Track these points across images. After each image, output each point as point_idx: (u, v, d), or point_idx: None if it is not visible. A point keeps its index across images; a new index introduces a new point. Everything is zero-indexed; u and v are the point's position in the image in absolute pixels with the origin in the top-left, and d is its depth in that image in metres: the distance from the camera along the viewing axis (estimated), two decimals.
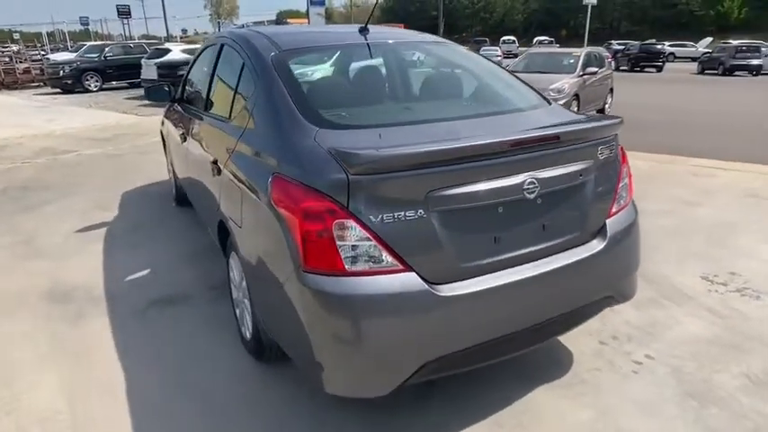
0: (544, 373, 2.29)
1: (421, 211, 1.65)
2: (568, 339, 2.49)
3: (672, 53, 33.96)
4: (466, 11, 71.41)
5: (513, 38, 44.92)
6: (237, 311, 2.55)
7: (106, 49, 17.50)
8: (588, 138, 1.97)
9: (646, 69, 26.62)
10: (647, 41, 32.29)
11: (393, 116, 2.32)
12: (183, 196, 4.29)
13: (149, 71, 13.68)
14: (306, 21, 22.18)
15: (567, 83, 8.59)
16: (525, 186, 1.78)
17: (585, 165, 1.96)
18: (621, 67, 26.98)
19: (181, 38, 57.88)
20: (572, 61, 9.45)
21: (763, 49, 24.10)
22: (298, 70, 2.33)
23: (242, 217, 2.11)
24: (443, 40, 3.12)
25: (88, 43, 21.97)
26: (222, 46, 2.93)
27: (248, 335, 2.38)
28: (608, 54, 12.92)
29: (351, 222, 1.59)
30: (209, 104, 3.04)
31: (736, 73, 23.31)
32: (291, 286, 1.71)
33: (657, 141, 7.30)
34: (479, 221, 1.76)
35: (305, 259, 1.64)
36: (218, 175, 2.44)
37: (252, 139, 2.13)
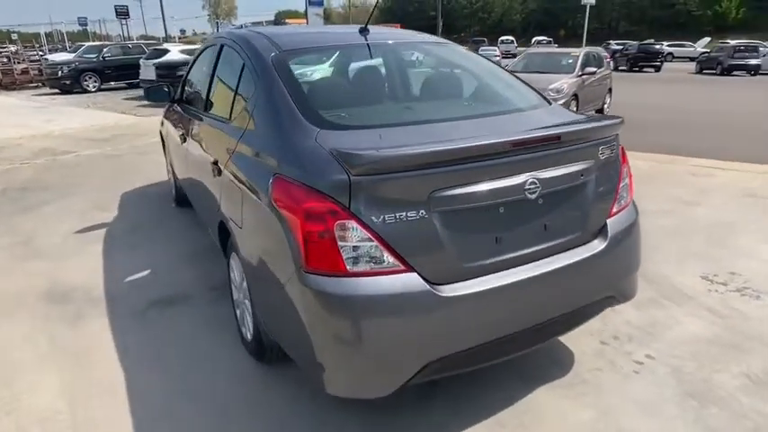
0: (545, 373, 2.29)
1: (422, 211, 1.65)
2: (569, 339, 2.49)
3: (670, 53, 34.04)
4: (464, 11, 71.49)
5: (511, 38, 44.96)
6: (238, 312, 2.54)
7: (104, 49, 17.48)
8: (589, 138, 1.97)
9: (644, 69, 26.66)
10: (645, 41, 32.32)
11: (394, 116, 2.32)
12: (182, 197, 4.28)
13: (148, 71, 13.67)
14: (304, 21, 22.15)
15: (565, 83, 8.59)
16: (527, 186, 1.78)
17: (586, 165, 1.96)
18: (620, 67, 27.03)
19: (179, 38, 57.80)
20: (571, 61, 9.46)
21: (761, 48, 24.18)
22: (298, 71, 2.33)
23: (243, 218, 2.11)
24: (443, 40, 3.13)
25: (86, 44, 21.93)
26: (222, 47, 2.92)
27: (249, 336, 2.37)
28: (606, 54, 12.94)
29: (352, 223, 1.59)
30: (209, 105, 3.04)
31: (735, 73, 23.36)
32: (293, 287, 1.71)
33: (656, 141, 7.31)
34: (481, 222, 1.76)
35: (306, 260, 1.63)
36: (219, 176, 2.44)
37: (252, 139, 2.13)
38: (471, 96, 2.59)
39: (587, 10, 27.29)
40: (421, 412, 2.08)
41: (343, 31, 3.07)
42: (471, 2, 71.20)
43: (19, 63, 19.83)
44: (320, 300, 1.63)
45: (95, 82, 16.69)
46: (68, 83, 16.24)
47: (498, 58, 29.13)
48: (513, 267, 1.81)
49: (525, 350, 1.99)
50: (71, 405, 2.16)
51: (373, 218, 1.60)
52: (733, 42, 27.69)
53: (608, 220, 2.07)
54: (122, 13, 37.35)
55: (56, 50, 30.27)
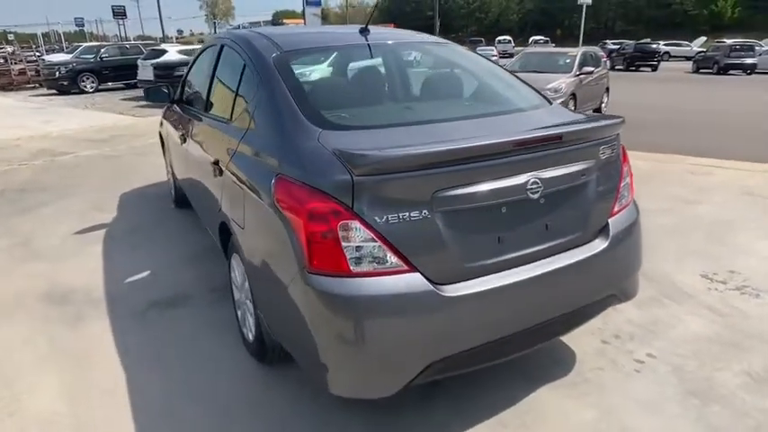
0: (547, 373, 2.29)
1: (425, 211, 1.65)
2: (571, 339, 2.50)
3: (667, 52, 34.09)
4: (461, 11, 71.47)
5: (508, 38, 44.97)
6: (239, 313, 2.54)
7: (102, 50, 17.41)
8: (590, 137, 1.97)
9: (641, 69, 26.72)
10: (641, 41, 32.38)
11: (396, 117, 2.32)
12: (182, 197, 4.27)
13: (146, 72, 13.65)
14: (302, 21, 22.12)
15: (564, 82, 8.61)
16: (529, 186, 1.78)
17: (588, 164, 1.97)
18: (617, 67, 27.10)
19: (177, 38, 57.65)
20: (568, 61, 9.48)
21: (756, 48, 24.26)
22: (299, 71, 2.33)
23: (245, 218, 2.11)
24: (444, 40, 3.12)
25: (84, 44, 21.86)
26: (222, 47, 2.91)
27: (250, 336, 2.37)
28: (603, 53, 12.96)
29: (355, 223, 1.59)
30: (209, 105, 3.03)
31: (731, 72, 23.43)
32: (296, 287, 1.71)
33: (654, 140, 7.33)
34: (483, 221, 1.76)
35: (310, 260, 1.63)
36: (220, 177, 2.44)
37: (254, 140, 2.13)
38: (472, 96, 2.59)
39: (584, 10, 27.30)
40: (423, 412, 2.08)
41: (343, 31, 3.07)
42: (468, 2, 71.18)
43: (16, 64, 19.77)
44: (324, 300, 1.63)
45: (93, 82, 16.64)
46: (66, 83, 16.19)
47: (496, 57, 29.17)
48: (516, 267, 1.82)
49: (527, 350, 1.99)
50: (72, 406, 2.15)
51: (376, 218, 1.60)
52: (729, 42, 27.79)
53: (609, 220, 2.08)
54: (119, 13, 37.23)
55: (53, 51, 30.18)
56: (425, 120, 2.14)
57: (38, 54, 25.26)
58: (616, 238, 2.04)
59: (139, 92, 13.80)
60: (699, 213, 4.34)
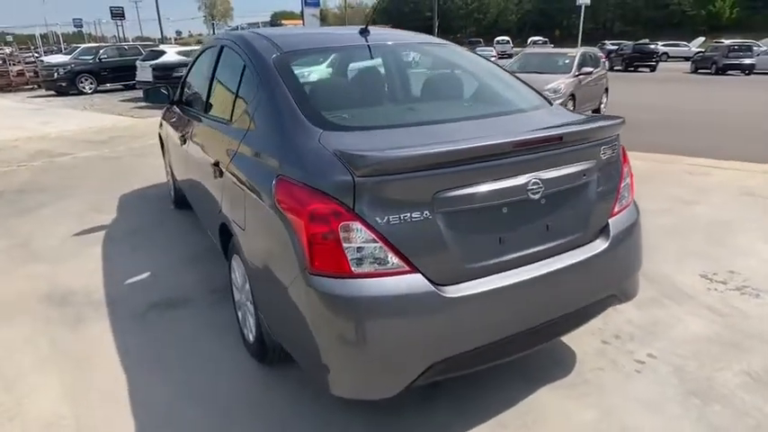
0: (547, 374, 2.29)
1: (426, 212, 1.65)
2: (571, 339, 2.50)
3: (665, 53, 34.16)
4: (460, 12, 71.52)
5: (507, 38, 45.03)
6: (240, 314, 2.54)
7: (101, 51, 17.41)
8: (591, 138, 1.97)
9: (639, 69, 26.78)
10: (640, 41, 32.47)
11: (396, 118, 2.33)
12: (181, 199, 4.26)
13: (144, 73, 13.64)
14: (300, 22, 22.13)
15: (563, 83, 8.62)
16: (529, 187, 1.79)
17: (588, 165, 1.97)
18: (615, 67, 27.15)
19: (175, 39, 57.69)
20: (567, 61, 9.49)
21: (754, 48, 24.31)
22: (299, 72, 2.33)
23: (245, 219, 2.11)
24: (444, 41, 3.13)
25: (82, 45, 21.83)
26: (222, 48, 2.91)
27: (251, 337, 2.37)
28: (602, 54, 12.99)
29: (356, 224, 1.59)
30: (209, 106, 3.03)
31: (729, 72, 23.49)
32: (297, 288, 1.71)
33: (652, 141, 7.33)
34: (484, 222, 1.76)
35: (311, 261, 1.63)
36: (220, 178, 2.44)
37: (254, 141, 2.13)
38: (473, 97, 2.59)
39: (582, 10, 27.39)
40: (424, 413, 2.08)
41: (343, 32, 3.07)
42: (467, 2, 71.26)
43: (14, 65, 19.74)
44: (325, 301, 1.63)
45: (91, 84, 16.63)
46: (64, 85, 16.18)
47: (495, 58, 29.20)
48: (516, 268, 1.82)
49: (528, 350, 1.99)
50: (73, 409, 2.15)
51: (377, 219, 1.60)
52: (727, 42, 27.80)
53: (610, 220, 2.08)
54: (118, 14, 37.27)
55: (51, 52, 30.14)
56: (426, 120, 2.15)
57: (36, 55, 25.20)
58: (616, 239, 2.05)
59: (138, 93, 13.78)
60: (698, 214, 4.35)
